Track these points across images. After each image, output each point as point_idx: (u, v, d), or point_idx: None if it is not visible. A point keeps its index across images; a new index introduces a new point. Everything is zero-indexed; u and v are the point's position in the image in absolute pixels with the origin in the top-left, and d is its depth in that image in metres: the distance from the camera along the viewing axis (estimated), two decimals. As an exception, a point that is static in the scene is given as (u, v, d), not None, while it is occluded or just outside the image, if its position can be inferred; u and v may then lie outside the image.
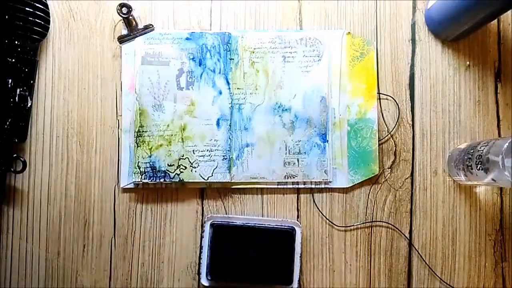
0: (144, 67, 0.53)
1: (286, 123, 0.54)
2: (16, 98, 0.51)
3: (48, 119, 0.54)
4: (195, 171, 0.53)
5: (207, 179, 0.53)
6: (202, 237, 0.53)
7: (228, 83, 0.54)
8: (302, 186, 0.53)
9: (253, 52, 0.54)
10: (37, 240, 0.53)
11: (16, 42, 0.51)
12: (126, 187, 0.53)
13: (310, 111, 0.54)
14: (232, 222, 0.52)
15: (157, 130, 0.53)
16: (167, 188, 0.54)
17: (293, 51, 0.54)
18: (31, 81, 0.53)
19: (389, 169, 0.55)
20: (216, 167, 0.53)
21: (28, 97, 0.52)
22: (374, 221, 0.54)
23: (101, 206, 0.54)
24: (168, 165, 0.53)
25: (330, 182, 0.54)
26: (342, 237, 0.54)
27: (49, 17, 0.53)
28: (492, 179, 0.45)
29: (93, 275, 0.53)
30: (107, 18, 0.55)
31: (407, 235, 0.54)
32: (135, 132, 0.53)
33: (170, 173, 0.53)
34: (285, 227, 0.52)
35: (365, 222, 0.54)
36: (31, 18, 0.51)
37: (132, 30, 0.54)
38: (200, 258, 0.53)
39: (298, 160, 0.54)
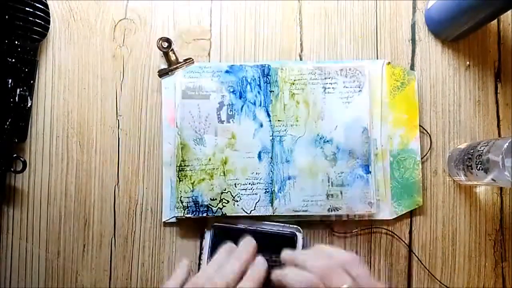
0: (185, 101, 0.53)
1: (328, 154, 0.53)
2: (16, 98, 0.51)
3: (48, 119, 0.54)
4: (237, 205, 0.52)
5: (250, 212, 0.52)
6: (202, 238, 0.53)
7: (268, 115, 0.53)
8: (346, 219, 0.53)
9: (293, 84, 0.53)
10: (37, 240, 0.53)
11: (16, 42, 0.51)
12: (168, 221, 0.53)
13: (352, 142, 0.53)
14: (233, 225, 0.52)
15: (199, 164, 0.52)
16: (167, 188, 0.54)
17: (333, 82, 0.53)
18: (31, 81, 0.53)
19: (389, 169, 0.55)
20: (259, 201, 0.52)
21: (28, 97, 0.52)
22: (373, 227, 0.54)
23: (101, 206, 0.54)
24: (210, 199, 0.52)
25: (373, 214, 0.53)
26: (342, 240, 0.54)
27: (49, 17, 0.53)
28: (492, 179, 0.45)
29: (93, 275, 0.53)
30: (107, 18, 0.55)
31: (407, 235, 0.54)
32: (176, 166, 0.52)
33: (212, 208, 0.52)
34: (286, 232, 0.51)
35: (364, 229, 0.54)
36: (31, 18, 0.51)
37: (171, 64, 0.53)
38: (200, 259, 0.53)
39: (341, 192, 0.52)
